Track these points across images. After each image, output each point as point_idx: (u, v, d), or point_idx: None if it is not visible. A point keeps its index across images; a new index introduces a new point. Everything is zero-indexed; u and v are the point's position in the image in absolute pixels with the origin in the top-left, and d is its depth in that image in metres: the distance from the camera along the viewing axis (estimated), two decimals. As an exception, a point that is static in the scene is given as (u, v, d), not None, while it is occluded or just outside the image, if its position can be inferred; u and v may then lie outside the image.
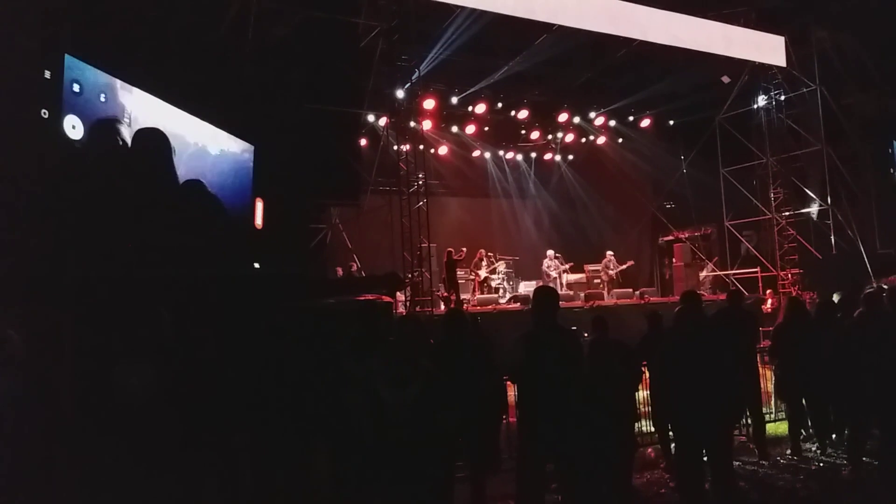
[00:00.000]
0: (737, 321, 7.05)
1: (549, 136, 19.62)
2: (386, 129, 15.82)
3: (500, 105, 16.90)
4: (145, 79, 7.40)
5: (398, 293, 12.14)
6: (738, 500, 5.32)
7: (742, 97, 16.94)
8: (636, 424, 6.20)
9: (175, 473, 4.16)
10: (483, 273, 16.05)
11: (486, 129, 18.27)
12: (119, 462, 4.03)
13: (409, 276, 12.59)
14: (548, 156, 20.80)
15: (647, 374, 6.32)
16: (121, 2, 7.33)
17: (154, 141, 7.06)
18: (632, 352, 6.08)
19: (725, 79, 16.32)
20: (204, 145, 8.68)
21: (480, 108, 16.53)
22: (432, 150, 17.55)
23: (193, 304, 5.07)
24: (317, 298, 6.81)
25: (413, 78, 13.06)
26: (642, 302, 14.95)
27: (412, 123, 13.59)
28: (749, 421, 7.11)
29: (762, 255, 17.03)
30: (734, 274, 17.24)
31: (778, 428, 7.57)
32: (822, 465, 6.53)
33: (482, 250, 16.27)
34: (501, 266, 16.89)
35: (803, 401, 6.94)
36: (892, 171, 16.90)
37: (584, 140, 19.94)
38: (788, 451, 6.84)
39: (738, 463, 6.09)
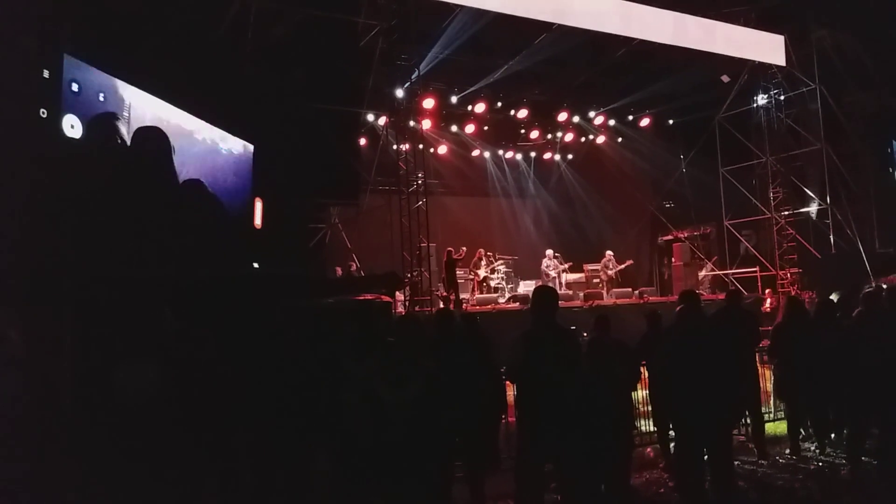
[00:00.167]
0: (736, 321, 7.05)
1: (549, 136, 19.64)
2: (385, 129, 15.82)
3: (499, 104, 16.90)
4: (144, 78, 7.40)
5: (397, 293, 12.14)
6: (737, 500, 5.33)
7: (741, 96, 16.93)
8: (635, 424, 6.19)
9: (175, 473, 4.16)
10: (482, 272, 16.05)
11: (486, 128, 18.28)
12: (119, 462, 4.03)
13: (409, 275, 12.60)
14: (547, 155, 20.82)
15: (647, 374, 6.34)
16: (120, 1, 7.32)
17: (154, 140, 7.07)
18: (630, 351, 6.09)
19: (725, 78, 16.30)
20: (211, 143, 8.69)
21: (480, 108, 16.52)
22: (432, 150, 17.56)
23: (193, 304, 5.07)
24: (316, 298, 6.81)
25: (412, 77, 13.07)
26: (641, 301, 14.93)
27: (412, 123, 13.60)
28: (748, 420, 7.11)
29: (761, 254, 17.03)
30: (733, 273, 17.25)
31: (777, 427, 7.57)
32: (821, 464, 6.53)
33: (481, 250, 16.27)
34: (501, 265, 16.90)
35: (802, 400, 6.95)
36: (891, 170, 16.94)
37: (583, 139, 19.96)
38: (787, 451, 6.84)
39: (736, 462, 6.08)
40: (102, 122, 6.81)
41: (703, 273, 18.09)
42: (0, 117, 5.48)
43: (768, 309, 14.40)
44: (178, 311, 4.63)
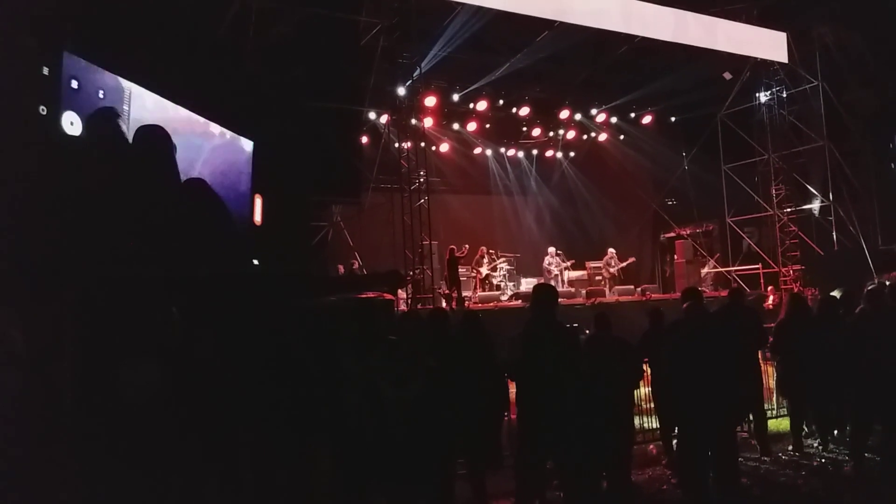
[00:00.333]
0: (739, 318, 7.02)
1: (551, 133, 19.62)
2: (387, 127, 15.81)
3: (501, 102, 16.90)
4: (144, 75, 7.38)
5: (399, 291, 12.13)
6: (740, 497, 5.31)
7: (744, 93, 16.91)
8: (636, 421, 6.18)
9: (176, 473, 4.15)
10: (484, 270, 16.04)
11: (488, 126, 18.25)
12: (120, 461, 4.02)
13: (411, 273, 12.58)
14: (549, 153, 20.80)
15: (649, 371, 6.32)
16: (120, -1, 7.32)
17: (156, 138, 7.04)
18: (631, 348, 6.07)
19: (727, 75, 16.29)
20: (212, 140, 8.68)
21: (482, 105, 16.52)
22: (433, 148, 17.54)
23: (194, 303, 5.06)
24: (318, 296, 6.79)
25: (414, 75, 13.05)
26: (644, 299, 14.93)
27: (413, 121, 13.59)
28: (751, 417, 7.10)
29: (764, 251, 17.01)
30: (736, 270, 17.23)
31: (780, 424, 7.56)
32: (823, 461, 6.52)
33: (483, 247, 16.26)
34: (503, 263, 16.88)
35: (805, 397, 6.93)
36: (893, 166, 16.87)
37: (585, 137, 19.93)
38: (790, 447, 6.83)
39: (739, 459, 6.07)
40: (102, 119, 6.79)
41: (705, 270, 18.07)
42: (-1, 114, 5.47)
43: (771, 306, 14.36)
44: (184, 310, 4.62)
